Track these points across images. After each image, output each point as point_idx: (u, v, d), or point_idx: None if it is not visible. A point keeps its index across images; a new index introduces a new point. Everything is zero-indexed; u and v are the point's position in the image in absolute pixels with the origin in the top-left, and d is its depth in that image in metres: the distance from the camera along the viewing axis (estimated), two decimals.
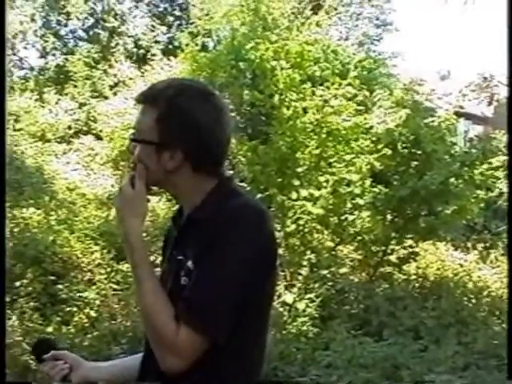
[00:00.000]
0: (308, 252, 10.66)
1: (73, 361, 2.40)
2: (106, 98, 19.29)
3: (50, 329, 7.48)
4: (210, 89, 2.23)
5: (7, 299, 7.78)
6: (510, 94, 3.69)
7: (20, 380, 6.49)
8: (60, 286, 8.41)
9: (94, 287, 8.88)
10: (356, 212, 10.97)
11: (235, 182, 2.30)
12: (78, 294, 8.46)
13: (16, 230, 9.27)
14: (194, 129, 2.10)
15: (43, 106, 18.82)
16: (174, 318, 1.95)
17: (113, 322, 8.16)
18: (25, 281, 8.09)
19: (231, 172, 11.07)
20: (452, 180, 10.40)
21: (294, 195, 10.43)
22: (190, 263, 2.03)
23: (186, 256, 2.06)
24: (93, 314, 8.24)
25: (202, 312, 1.94)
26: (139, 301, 2.06)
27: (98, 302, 8.61)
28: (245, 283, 1.99)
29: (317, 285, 10.02)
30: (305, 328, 9.01)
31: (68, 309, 8.05)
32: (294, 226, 10.50)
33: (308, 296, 9.70)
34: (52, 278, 8.43)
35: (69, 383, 2.35)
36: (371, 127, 11.18)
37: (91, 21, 22.55)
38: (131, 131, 2.25)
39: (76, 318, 7.92)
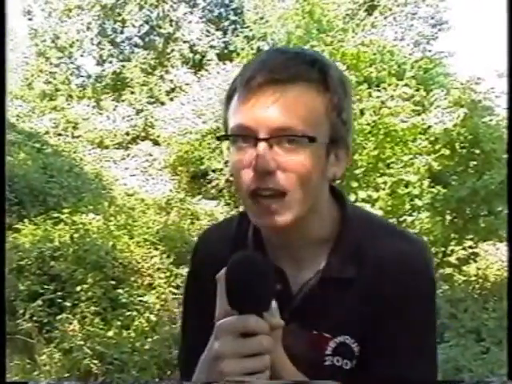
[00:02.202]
0: None
1: None
2: (163, 103, 19.45)
3: (110, 333, 7.55)
4: None
5: (68, 304, 7.91)
6: (510, 94, 3.65)
7: (20, 380, 6.56)
8: (120, 291, 8.47)
9: (153, 291, 8.94)
10: (415, 213, 10.90)
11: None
12: (138, 299, 8.52)
13: (76, 235, 9.37)
14: (351, 114, 1.56)
15: (101, 113, 19.02)
16: None
17: (173, 325, 8.19)
18: (85, 286, 8.15)
19: None
20: (500, 179, 10.28)
21: (352, 197, 10.39)
22: (347, 339, 1.57)
23: (331, 330, 1.57)
24: (153, 318, 8.29)
25: None
26: None
27: (158, 306, 8.66)
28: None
29: None
30: None
31: (128, 313, 8.10)
32: None
33: None
34: (112, 282, 8.49)
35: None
36: (429, 127, 11.10)
37: (146, 27, 22.70)
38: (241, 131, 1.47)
39: (136, 322, 7.97)
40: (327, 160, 1.49)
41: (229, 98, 1.53)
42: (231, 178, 1.64)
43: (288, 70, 1.44)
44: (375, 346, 1.54)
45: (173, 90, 20.15)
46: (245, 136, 1.46)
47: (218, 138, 1.58)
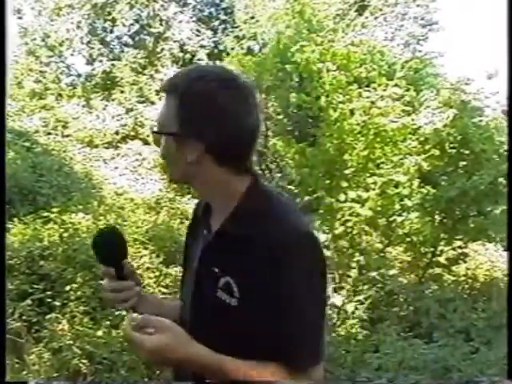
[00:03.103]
0: (357, 254, 10.64)
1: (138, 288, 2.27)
2: (153, 103, 19.41)
3: (99, 332, 7.53)
4: (234, 73, 2.04)
5: (57, 303, 7.90)
6: (510, 94, 3.65)
7: (19, 380, 6.55)
8: None
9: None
10: (404, 213, 10.91)
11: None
12: None
13: (65, 235, 9.36)
14: (215, 115, 1.95)
15: (91, 112, 19.00)
16: (265, 363, 1.87)
17: None
18: (75, 285, 8.15)
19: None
20: (501, 180, 10.29)
21: (342, 197, 10.41)
22: (230, 280, 1.94)
23: (223, 270, 1.97)
24: None
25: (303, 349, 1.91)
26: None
27: None
28: (320, 305, 1.99)
29: (366, 287, 9.99)
30: (354, 330, 8.99)
31: (118, 313, 8.08)
32: (342, 228, 10.49)
33: (357, 298, 9.68)
34: (102, 282, 8.49)
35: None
36: (419, 128, 11.11)
37: (137, 27, 22.69)
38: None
39: (125, 322, 7.97)
40: (180, 148, 2.05)
41: None
42: None
43: (168, 82, 2.11)
44: (249, 295, 1.92)
45: None
46: None
47: None
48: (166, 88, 2.06)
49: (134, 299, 2.22)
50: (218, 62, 18.25)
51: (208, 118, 1.95)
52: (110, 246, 2.16)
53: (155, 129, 2.11)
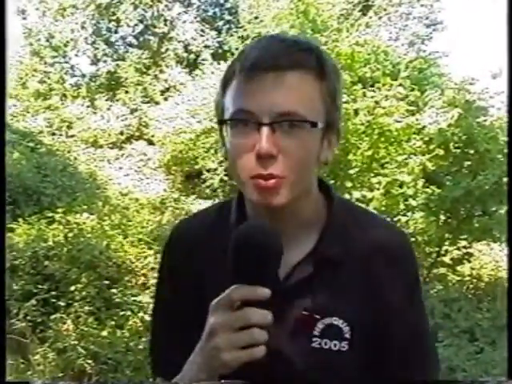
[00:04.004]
0: None
1: None
2: (157, 103, 19.43)
3: (104, 333, 7.53)
4: None
5: (62, 304, 7.88)
6: (510, 94, 3.65)
7: (20, 380, 6.56)
8: (114, 291, 8.44)
9: (147, 291, 8.91)
10: (409, 213, 10.91)
11: None
12: (133, 298, 8.48)
13: (70, 235, 9.35)
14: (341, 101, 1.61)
15: (95, 113, 19.01)
16: None
17: None
18: (79, 285, 8.13)
19: None
20: (506, 179, 10.28)
21: (346, 197, 10.40)
22: (334, 321, 1.57)
23: (321, 311, 1.58)
24: (147, 317, 8.23)
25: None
26: None
27: (151, 306, 8.64)
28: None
29: None
30: None
31: (122, 313, 8.07)
32: None
33: None
34: (106, 282, 8.46)
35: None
36: (423, 128, 11.10)
37: (141, 27, 22.70)
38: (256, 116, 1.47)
39: (130, 322, 7.95)
40: (321, 144, 1.54)
41: (226, 83, 1.56)
42: (226, 163, 1.72)
43: (288, 57, 1.47)
44: (368, 327, 1.58)
45: (167, 89, 20.16)
46: (247, 120, 1.48)
47: (220, 122, 1.57)
48: (303, 64, 1.49)
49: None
50: (222, 63, 18.28)
51: (342, 103, 1.62)
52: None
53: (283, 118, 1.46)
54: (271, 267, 1.38)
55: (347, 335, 1.57)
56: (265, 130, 1.44)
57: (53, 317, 7.64)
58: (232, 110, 1.50)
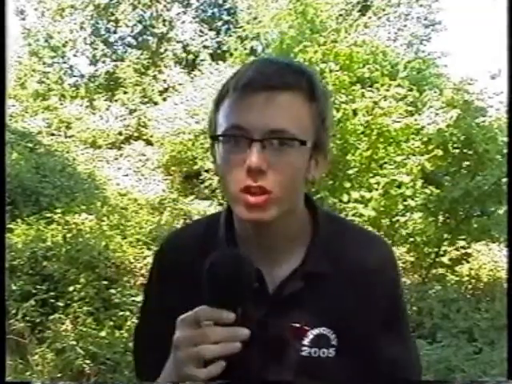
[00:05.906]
0: None
1: None
2: (156, 103, 19.42)
3: (103, 333, 7.52)
4: None
5: (60, 304, 7.88)
6: (510, 94, 3.65)
7: (20, 380, 6.55)
8: (113, 291, 8.44)
9: None
10: (408, 214, 10.92)
11: None
12: (131, 299, 8.47)
13: (69, 235, 9.35)
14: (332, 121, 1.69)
15: (94, 113, 19.01)
16: None
17: None
18: (78, 286, 8.13)
19: None
20: (505, 180, 10.29)
21: (345, 197, 10.41)
22: (325, 331, 1.64)
23: (310, 322, 1.64)
24: None
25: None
26: None
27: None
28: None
29: None
30: None
31: (121, 313, 8.06)
32: None
33: None
34: (105, 282, 8.46)
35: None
36: (422, 128, 11.11)
37: (140, 27, 22.69)
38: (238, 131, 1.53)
39: (129, 323, 7.94)
40: (309, 163, 1.59)
41: (219, 101, 1.61)
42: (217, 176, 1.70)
43: (281, 78, 1.53)
44: (354, 334, 1.66)
45: (166, 89, 20.15)
46: (239, 136, 1.52)
47: (212, 138, 1.62)
48: (294, 85, 1.54)
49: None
50: (221, 63, 18.28)
51: (331, 125, 1.67)
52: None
53: (274, 134, 1.51)
54: (240, 295, 1.43)
55: (334, 342, 1.65)
56: (256, 146, 1.49)
57: (51, 317, 7.64)
58: (225, 126, 1.56)
